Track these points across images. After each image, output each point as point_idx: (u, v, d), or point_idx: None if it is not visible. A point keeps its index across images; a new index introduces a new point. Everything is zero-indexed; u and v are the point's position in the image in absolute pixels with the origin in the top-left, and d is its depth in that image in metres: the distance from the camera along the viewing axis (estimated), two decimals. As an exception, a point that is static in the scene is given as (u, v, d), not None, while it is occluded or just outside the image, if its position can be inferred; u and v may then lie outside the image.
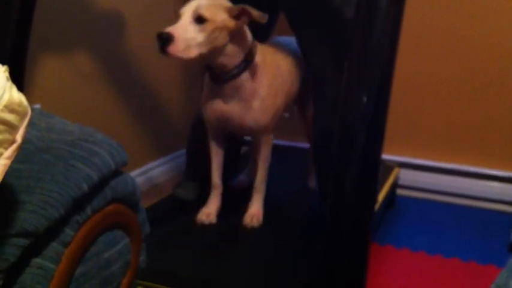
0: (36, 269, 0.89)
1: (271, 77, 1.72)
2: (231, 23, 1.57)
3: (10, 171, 0.79)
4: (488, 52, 2.39)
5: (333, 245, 1.28)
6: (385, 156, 2.51)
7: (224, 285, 1.51)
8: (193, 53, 1.51)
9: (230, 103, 1.69)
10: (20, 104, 0.78)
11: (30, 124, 0.98)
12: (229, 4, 1.60)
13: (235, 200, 1.92)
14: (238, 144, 2.19)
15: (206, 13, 1.52)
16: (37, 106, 1.84)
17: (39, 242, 0.89)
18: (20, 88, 1.57)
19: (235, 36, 1.61)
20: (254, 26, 1.62)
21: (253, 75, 1.67)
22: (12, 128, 0.78)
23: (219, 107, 1.71)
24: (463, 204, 2.49)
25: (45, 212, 0.87)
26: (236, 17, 1.58)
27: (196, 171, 2.07)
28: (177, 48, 1.48)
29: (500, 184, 2.45)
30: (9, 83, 0.78)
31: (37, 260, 0.89)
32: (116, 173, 1.05)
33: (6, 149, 0.77)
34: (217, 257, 1.64)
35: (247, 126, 1.73)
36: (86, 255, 0.98)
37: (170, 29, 1.49)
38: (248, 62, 1.66)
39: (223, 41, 1.58)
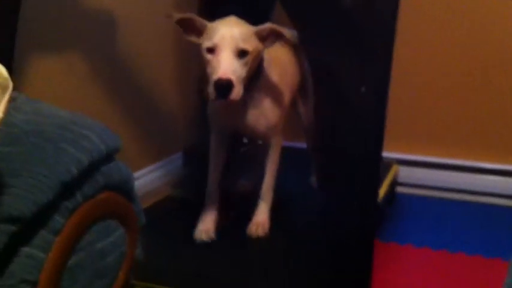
0: (25, 258, 0.83)
1: (278, 78, 1.63)
2: (260, 47, 1.46)
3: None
4: (488, 46, 2.36)
5: (337, 244, 1.25)
6: (383, 153, 2.50)
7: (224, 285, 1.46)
8: (241, 91, 1.40)
9: (240, 112, 1.57)
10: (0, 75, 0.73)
11: (15, 109, 0.94)
12: (254, 27, 1.47)
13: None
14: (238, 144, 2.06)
15: (247, 46, 1.40)
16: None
17: (27, 229, 0.83)
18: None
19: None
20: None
21: (262, 83, 1.57)
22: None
23: (230, 117, 1.61)
24: (465, 199, 2.44)
25: (33, 196, 0.82)
26: (263, 38, 1.46)
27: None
28: (236, 94, 1.37)
29: (502, 178, 2.41)
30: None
31: (25, 249, 0.84)
32: (108, 159, 1.00)
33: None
34: (215, 256, 1.58)
35: (259, 131, 1.62)
36: (78, 245, 0.93)
37: (225, 74, 1.35)
38: (259, 74, 1.55)
39: (254, 66, 1.47)
